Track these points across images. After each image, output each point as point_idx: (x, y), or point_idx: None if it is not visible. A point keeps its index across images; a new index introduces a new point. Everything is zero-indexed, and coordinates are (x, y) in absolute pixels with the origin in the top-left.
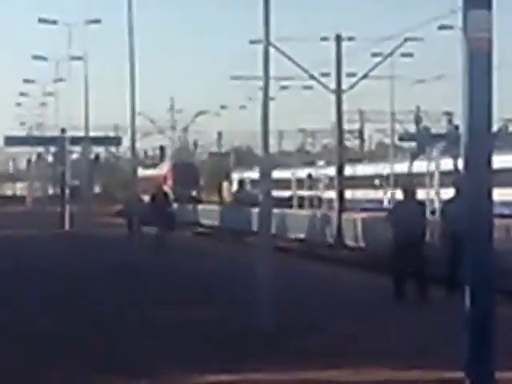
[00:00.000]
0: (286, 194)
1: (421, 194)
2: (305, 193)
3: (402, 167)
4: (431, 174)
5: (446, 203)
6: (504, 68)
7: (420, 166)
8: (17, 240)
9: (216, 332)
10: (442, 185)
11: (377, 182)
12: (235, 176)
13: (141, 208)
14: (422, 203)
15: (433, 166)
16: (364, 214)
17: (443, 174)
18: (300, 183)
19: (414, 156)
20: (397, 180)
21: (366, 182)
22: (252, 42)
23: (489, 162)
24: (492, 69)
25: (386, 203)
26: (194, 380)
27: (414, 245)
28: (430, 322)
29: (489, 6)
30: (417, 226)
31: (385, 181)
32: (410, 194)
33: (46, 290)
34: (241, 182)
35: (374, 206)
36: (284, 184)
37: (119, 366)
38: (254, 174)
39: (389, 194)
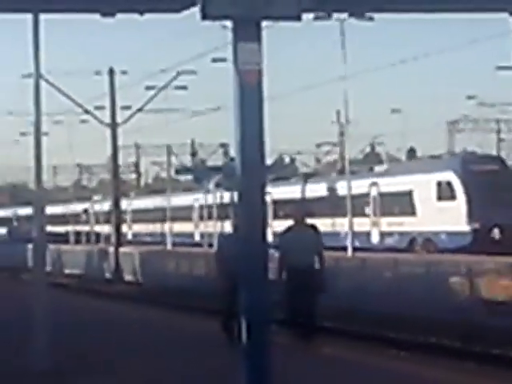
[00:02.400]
0: (63, 229)
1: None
2: (82, 228)
3: (179, 200)
4: (209, 207)
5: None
6: (277, 99)
7: (196, 198)
8: None
9: None
10: (221, 217)
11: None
12: None
13: None
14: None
15: (210, 199)
16: (143, 248)
17: (221, 206)
18: (76, 218)
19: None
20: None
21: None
22: (24, 76)
23: (262, 194)
24: (263, 100)
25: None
26: None
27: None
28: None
29: (258, 39)
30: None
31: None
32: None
33: None
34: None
35: (155, 240)
36: (60, 219)
37: None
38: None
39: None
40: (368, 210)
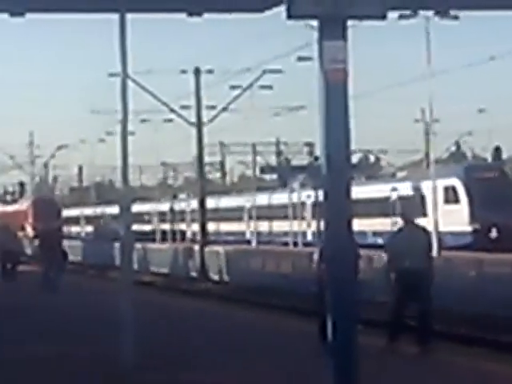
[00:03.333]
0: (149, 227)
1: (284, 226)
2: (167, 226)
3: (263, 199)
4: (294, 206)
5: (392, 236)
6: (362, 98)
7: (281, 197)
8: None
9: (79, 369)
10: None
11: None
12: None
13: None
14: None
15: (295, 198)
16: (228, 247)
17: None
18: (162, 217)
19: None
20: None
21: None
22: (110, 75)
23: (347, 193)
24: (348, 99)
25: (248, 235)
26: None
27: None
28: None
29: (344, 37)
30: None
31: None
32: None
33: None
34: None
35: (237, 239)
36: (146, 218)
37: None
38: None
39: (252, 227)
40: (389, 211)
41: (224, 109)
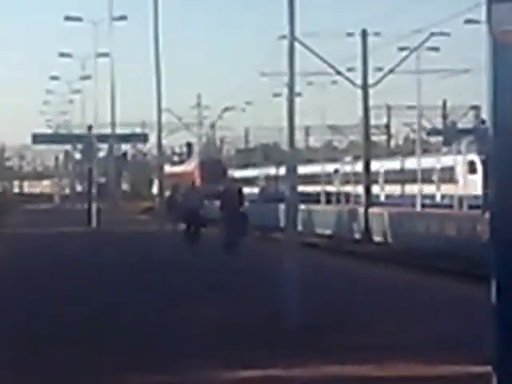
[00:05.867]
0: (314, 189)
1: (450, 189)
2: (332, 188)
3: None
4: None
5: None
6: None
7: (448, 160)
8: (48, 237)
9: (245, 329)
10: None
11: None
12: None
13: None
14: None
15: (460, 161)
16: (392, 209)
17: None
18: (327, 179)
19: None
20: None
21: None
22: (279, 38)
23: None
24: None
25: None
26: (220, 376)
27: None
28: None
29: None
30: None
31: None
32: None
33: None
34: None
35: (402, 202)
36: (311, 180)
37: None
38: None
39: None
40: (434, 178)
41: (390, 71)
